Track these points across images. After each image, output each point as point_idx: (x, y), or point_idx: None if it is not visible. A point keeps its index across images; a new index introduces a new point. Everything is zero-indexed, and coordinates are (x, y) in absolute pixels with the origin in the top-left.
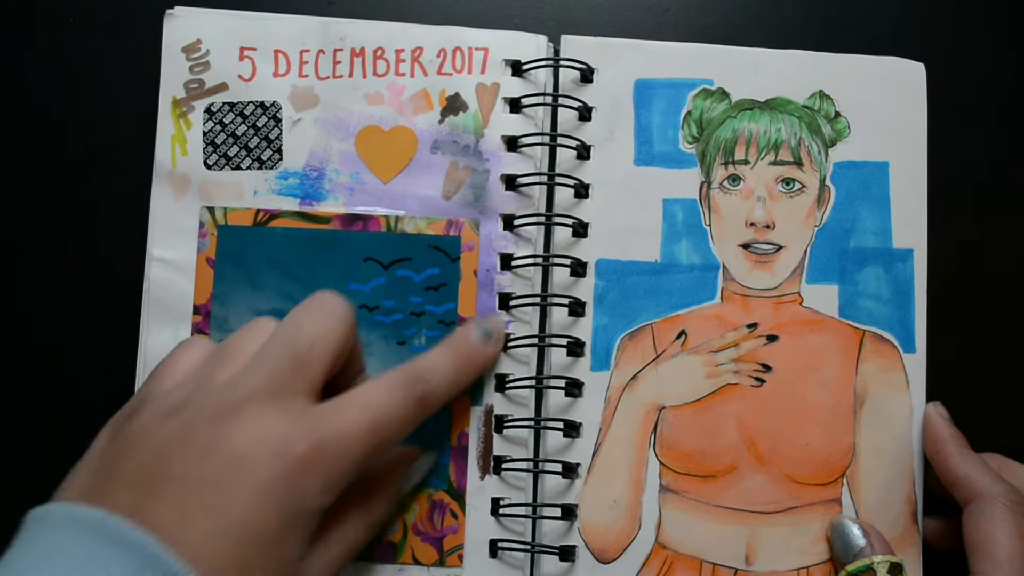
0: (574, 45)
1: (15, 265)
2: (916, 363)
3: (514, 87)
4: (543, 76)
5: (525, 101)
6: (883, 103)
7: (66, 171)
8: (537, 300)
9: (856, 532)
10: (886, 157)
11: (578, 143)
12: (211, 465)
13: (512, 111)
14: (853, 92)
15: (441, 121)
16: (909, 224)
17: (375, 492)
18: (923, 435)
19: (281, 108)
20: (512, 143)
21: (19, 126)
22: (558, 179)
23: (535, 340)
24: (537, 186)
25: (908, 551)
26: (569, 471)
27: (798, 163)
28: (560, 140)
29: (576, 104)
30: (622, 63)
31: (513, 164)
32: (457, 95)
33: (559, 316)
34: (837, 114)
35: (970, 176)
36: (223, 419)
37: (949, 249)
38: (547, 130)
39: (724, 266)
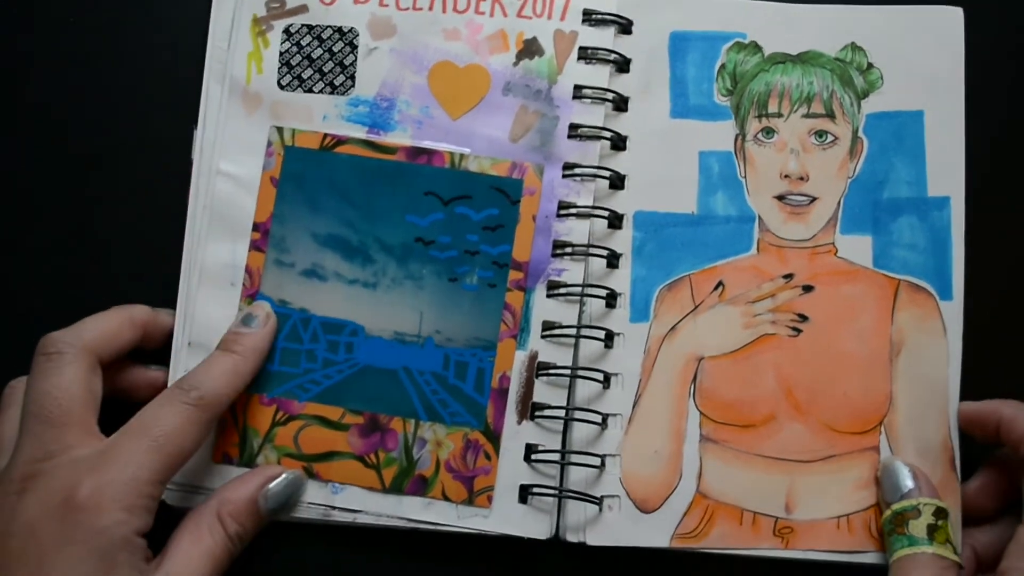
0: None
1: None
2: (953, 310)
3: (591, 36)
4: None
5: (586, 53)
6: (918, 51)
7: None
8: (581, 250)
9: (906, 473)
10: (921, 106)
11: (615, 95)
12: (10, 545)
13: (579, 60)
14: (887, 42)
15: (516, 63)
16: (945, 172)
17: (228, 507)
18: (974, 424)
19: (358, 35)
20: (576, 91)
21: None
22: (601, 131)
23: (577, 289)
24: (591, 137)
25: (948, 499)
26: (604, 420)
27: (830, 115)
28: (602, 92)
29: (613, 56)
30: (659, 16)
31: (580, 113)
32: (535, 39)
33: (597, 267)
34: (870, 65)
35: (1007, 121)
36: (10, 500)
37: (986, 195)
38: (603, 84)
39: (760, 217)
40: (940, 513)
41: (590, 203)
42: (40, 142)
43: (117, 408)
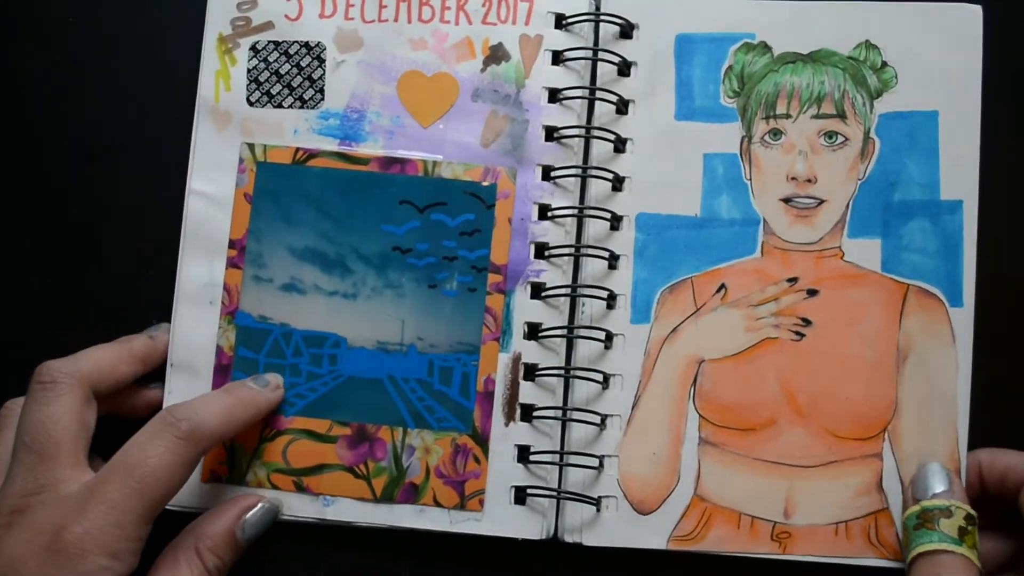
0: (616, 0)
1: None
2: (963, 317)
3: (557, 40)
4: (586, 31)
5: (567, 55)
6: (934, 50)
7: (113, 106)
8: (573, 250)
9: (943, 476)
10: (935, 106)
11: (617, 97)
12: None
13: (554, 63)
14: (902, 40)
15: (483, 70)
16: (959, 175)
17: (206, 541)
18: (985, 483)
19: (325, 49)
20: (553, 95)
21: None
22: (598, 132)
23: (568, 290)
24: (577, 138)
25: None
26: (603, 421)
27: (841, 116)
28: (600, 94)
29: (616, 59)
30: (664, 18)
31: (554, 116)
32: (500, 45)
33: (596, 268)
34: (884, 64)
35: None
36: None
37: (1000, 199)
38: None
39: (765, 220)
40: (970, 519)
41: (571, 204)
42: (38, 144)
43: (114, 427)
